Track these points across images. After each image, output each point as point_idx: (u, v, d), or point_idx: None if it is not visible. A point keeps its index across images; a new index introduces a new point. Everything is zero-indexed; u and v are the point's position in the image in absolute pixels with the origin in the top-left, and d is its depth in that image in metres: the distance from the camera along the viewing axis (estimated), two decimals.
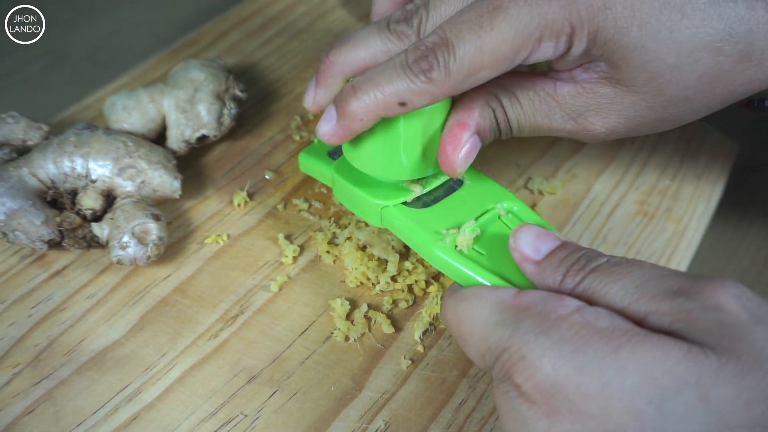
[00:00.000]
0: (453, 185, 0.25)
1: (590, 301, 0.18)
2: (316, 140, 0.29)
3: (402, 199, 0.24)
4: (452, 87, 0.21)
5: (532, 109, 0.23)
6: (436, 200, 0.24)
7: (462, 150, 0.23)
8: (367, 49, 0.23)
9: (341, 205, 0.31)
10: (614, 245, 0.31)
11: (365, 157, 0.24)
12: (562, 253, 0.20)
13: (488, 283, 0.21)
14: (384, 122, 0.23)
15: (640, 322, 0.17)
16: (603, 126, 0.23)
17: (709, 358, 0.15)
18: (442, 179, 0.25)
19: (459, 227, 0.23)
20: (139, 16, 0.50)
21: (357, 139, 0.24)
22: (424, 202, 0.24)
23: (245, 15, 0.42)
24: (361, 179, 0.25)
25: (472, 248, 0.22)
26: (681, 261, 0.31)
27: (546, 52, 0.21)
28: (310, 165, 0.28)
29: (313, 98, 0.24)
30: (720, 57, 0.21)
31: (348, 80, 0.24)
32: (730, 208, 0.39)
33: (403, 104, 0.21)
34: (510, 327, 0.18)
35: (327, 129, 0.22)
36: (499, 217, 0.24)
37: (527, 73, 0.23)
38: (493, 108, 0.23)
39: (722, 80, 0.22)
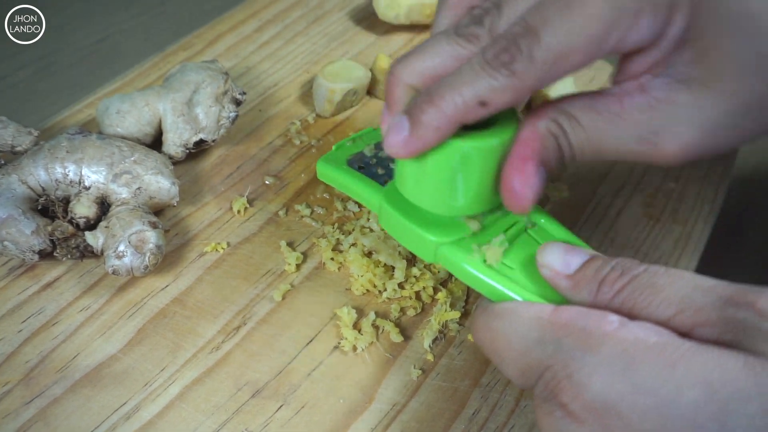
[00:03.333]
0: None
1: (630, 314, 0.17)
2: (334, 147, 0.27)
3: (459, 236, 0.22)
4: (538, 78, 0.19)
5: (596, 132, 0.20)
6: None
7: (533, 185, 0.20)
8: (435, 56, 0.21)
9: (344, 210, 0.30)
10: (622, 248, 0.30)
11: (419, 190, 0.22)
12: (594, 264, 0.19)
13: (520, 299, 0.20)
14: (441, 153, 0.21)
15: (685, 335, 0.16)
16: (677, 144, 0.20)
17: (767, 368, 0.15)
18: (500, 214, 0.23)
19: (486, 241, 0.22)
20: (131, 21, 0.49)
21: (411, 170, 0.22)
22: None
23: (241, 18, 0.41)
24: (412, 209, 0.23)
25: (502, 262, 0.21)
26: (689, 263, 0.31)
27: (643, 31, 0.18)
28: (328, 173, 0.27)
29: (393, 152, 0.21)
30: None
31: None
32: (729, 209, 0.39)
33: (483, 104, 0.19)
34: (552, 345, 0.17)
35: (397, 140, 0.20)
36: (526, 230, 0.23)
37: (589, 93, 0.21)
38: (555, 135, 0.21)
39: None
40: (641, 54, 0.20)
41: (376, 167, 0.27)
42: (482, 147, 0.20)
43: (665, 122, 0.20)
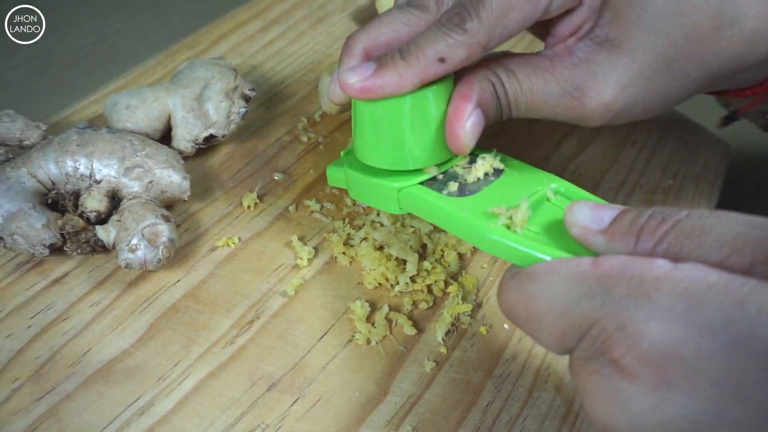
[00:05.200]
0: (491, 176, 0.25)
1: (676, 261, 0.16)
2: (342, 153, 0.28)
3: (419, 180, 0.24)
4: (486, 35, 0.22)
5: (529, 84, 0.23)
6: (475, 190, 0.24)
7: (467, 123, 0.23)
8: (389, 24, 0.23)
9: (354, 205, 0.31)
10: None
11: (375, 150, 0.24)
12: (629, 215, 0.17)
13: (551, 259, 0.19)
14: (389, 111, 0.23)
15: (745, 274, 0.15)
16: (597, 99, 0.23)
17: None
18: (457, 160, 0.25)
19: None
20: (126, 22, 0.48)
21: (365, 134, 0.24)
22: (463, 190, 0.24)
23: (244, 18, 0.41)
24: (374, 172, 0.25)
25: (527, 228, 0.21)
26: None
27: None
28: (338, 177, 0.27)
29: (334, 84, 0.24)
30: (701, 16, 0.22)
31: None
32: (724, 206, 0.40)
33: (442, 60, 0.21)
34: (599, 297, 0.16)
35: (357, 78, 0.22)
36: (547, 200, 0.23)
37: (525, 54, 0.24)
38: (492, 82, 0.23)
39: (704, 46, 0.23)
40: (567, 17, 0.23)
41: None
42: (428, 91, 0.22)
43: (586, 79, 0.23)
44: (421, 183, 0.24)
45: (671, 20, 0.22)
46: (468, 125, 0.23)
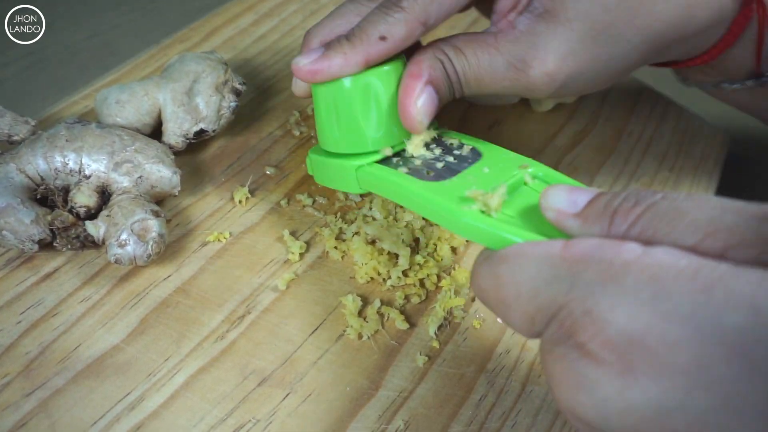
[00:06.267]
0: (469, 160, 0.24)
1: (649, 244, 0.15)
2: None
3: (375, 159, 0.25)
4: (423, 11, 0.23)
5: (476, 60, 0.24)
6: (452, 173, 0.23)
7: (418, 100, 0.23)
8: (343, 16, 0.25)
9: (346, 199, 0.30)
10: None
11: (331, 134, 0.25)
12: (604, 198, 0.17)
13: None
14: (338, 92, 0.24)
15: (718, 258, 0.14)
16: (541, 69, 0.23)
17: None
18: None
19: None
20: (121, 18, 0.48)
21: (322, 118, 0.25)
22: (439, 174, 0.24)
23: (237, 12, 0.41)
24: (335, 155, 0.26)
25: (502, 212, 0.20)
26: None
27: None
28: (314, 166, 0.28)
29: (296, 69, 0.24)
30: None
31: None
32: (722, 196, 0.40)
33: (383, 38, 0.23)
34: (567, 281, 0.15)
35: (306, 61, 0.23)
36: (525, 184, 0.23)
37: (471, 33, 0.25)
38: (441, 59, 0.24)
39: (641, 12, 0.24)
40: None
41: None
42: (377, 73, 0.24)
43: (528, 50, 0.24)
44: (378, 162, 0.25)
45: None
46: (420, 103, 0.23)
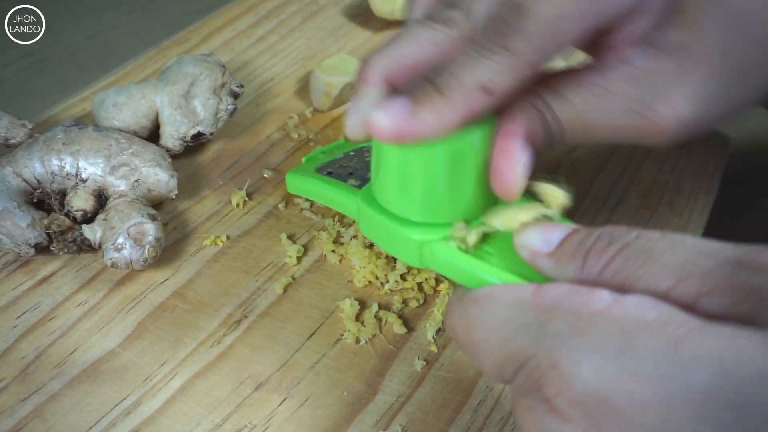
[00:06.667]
0: None
1: (623, 287, 0.15)
2: (303, 159, 0.27)
3: (444, 234, 0.20)
4: (536, 53, 0.18)
5: (584, 106, 0.19)
6: None
7: (519, 164, 0.19)
8: (412, 44, 0.20)
9: None
10: None
11: (401, 195, 0.21)
12: (577, 236, 0.17)
13: (501, 282, 0.18)
14: (422, 157, 0.20)
15: (690, 306, 0.14)
16: (672, 116, 0.19)
17: None
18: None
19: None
20: (121, 18, 0.48)
21: (390, 182, 0.21)
22: None
23: (236, 14, 0.41)
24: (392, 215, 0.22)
25: (481, 248, 0.20)
26: None
27: None
28: (299, 183, 0.26)
29: (353, 118, 0.20)
30: None
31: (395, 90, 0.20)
32: (723, 201, 0.39)
33: (487, 90, 0.18)
34: (535, 330, 0.15)
35: (392, 121, 0.18)
36: None
37: (572, 70, 0.20)
38: (541, 110, 0.20)
39: None
40: (621, 24, 0.19)
41: (347, 176, 0.26)
42: (472, 138, 0.19)
43: (654, 92, 0.19)
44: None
45: (751, 18, 0.19)
46: (521, 167, 0.19)
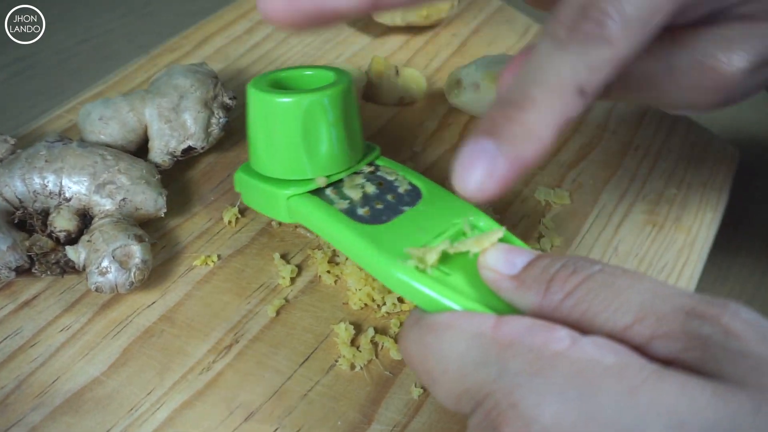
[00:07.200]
0: (408, 200, 0.23)
1: (582, 320, 0.15)
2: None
3: (309, 188, 0.23)
4: (637, 40, 0.16)
5: (648, 55, 0.18)
6: (389, 214, 0.22)
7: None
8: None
9: None
10: (626, 257, 0.30)
11: (270, 157, 0.24)
12: (542, 262, 0.17)
13: (459, 308, 0.18)
14: (284, 117, 0.23)
15: (643, 347, 0.15)
16: (737, 66, 0.19)
17: (738, 397, 0.13)
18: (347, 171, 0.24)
19: (419, 245, 0.20)
20: (115, 22, 0.47)
21: (261, 137, 0.24)
22: (375, 214, 0.22)
23: (230, 19, 0.39)
24: (266, 178, 0.24)
25: (437, 268, 0.19)
26: (693, 273, 0.30)
27: None
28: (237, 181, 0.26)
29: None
30: None
31: None
32: (731, 215, 0.38)
33: (582, 92, 0.16)
34: (495, 368, 0.15)
35: (480, 176, 0.16)
36: (464, 234, 0.21)
37: None
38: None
39: None
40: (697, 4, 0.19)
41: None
42: (329, 93, 0.23)
43: (720, 46, 0.19)
44: (311, 192, 0.23)
45: None
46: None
